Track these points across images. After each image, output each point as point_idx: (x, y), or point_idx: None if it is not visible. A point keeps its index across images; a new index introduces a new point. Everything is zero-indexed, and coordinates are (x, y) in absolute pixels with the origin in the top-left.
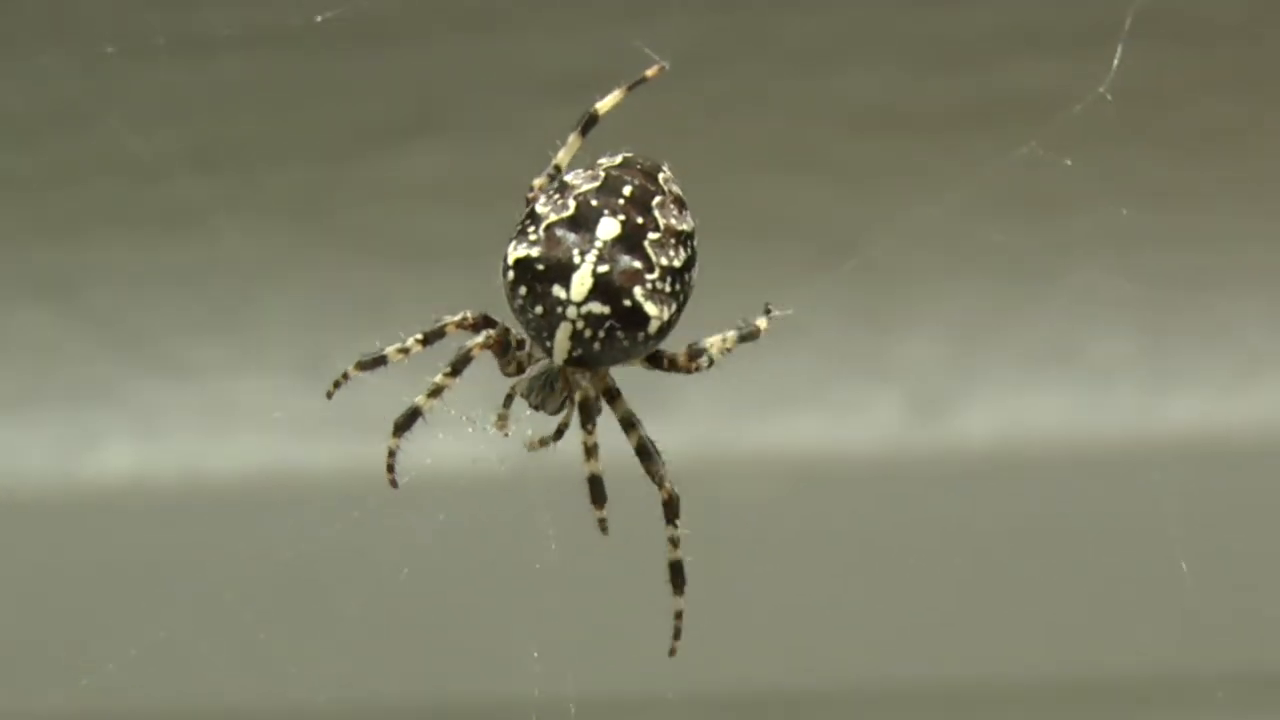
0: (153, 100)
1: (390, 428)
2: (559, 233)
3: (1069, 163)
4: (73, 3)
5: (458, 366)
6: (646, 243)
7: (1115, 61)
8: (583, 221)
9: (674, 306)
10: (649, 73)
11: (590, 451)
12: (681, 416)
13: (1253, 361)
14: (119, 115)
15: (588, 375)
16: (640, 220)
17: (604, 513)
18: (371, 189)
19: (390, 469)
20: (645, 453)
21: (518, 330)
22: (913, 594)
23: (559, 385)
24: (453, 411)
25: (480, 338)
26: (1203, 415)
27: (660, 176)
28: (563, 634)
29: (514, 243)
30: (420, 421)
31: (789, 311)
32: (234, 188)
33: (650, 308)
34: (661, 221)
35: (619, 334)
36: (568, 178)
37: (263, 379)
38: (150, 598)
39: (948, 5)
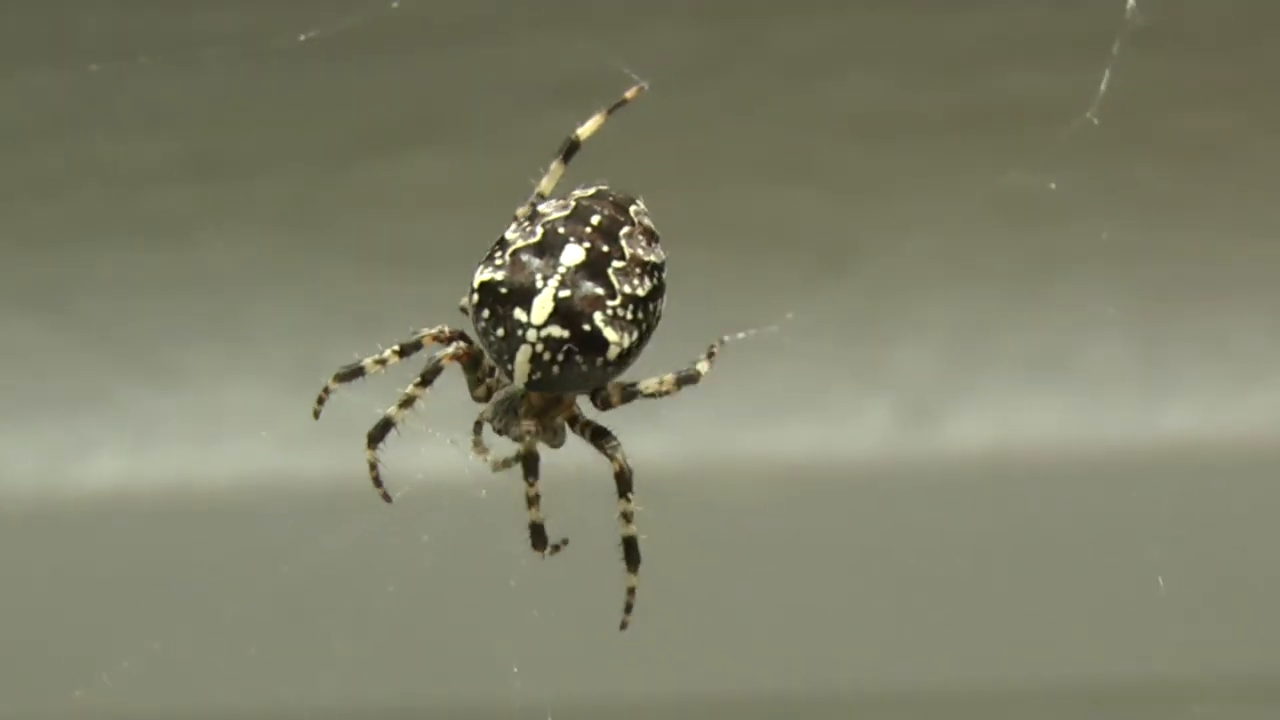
0: (141, 110)
1: (365, 441)
2: (524, 258)
3: (1053, 186)
4: (60, 14)
5: (428, 377)
6: (610, 270)
7: (1103, 86)
8: (548, 247)
9: (635, 334)
10: (628, 94)
11: (532, 501)
12: (674, 425)
13: (1246, 371)
14: (108, 124)
15: (550, 404)
16: (605, 248)
17: (546, 553)
18: (363, 197)
19: (378, 483)
20: (599, 433)
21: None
22: (904, 601)
23: (522, 411)
24: (436, 434)
25: (450, 349)
26: (1196, 424)
27: (632, 209)
28: (543, 643)
29: (481, 267)
30: (394, 433)
31: (736, 336)
32: (224, 196)
33: (610, 333)
34: (628, 251)
35: (577, 358)
36: (541, 207)
37: (252, 388)
38: (140, 606)
39: (941, 14)
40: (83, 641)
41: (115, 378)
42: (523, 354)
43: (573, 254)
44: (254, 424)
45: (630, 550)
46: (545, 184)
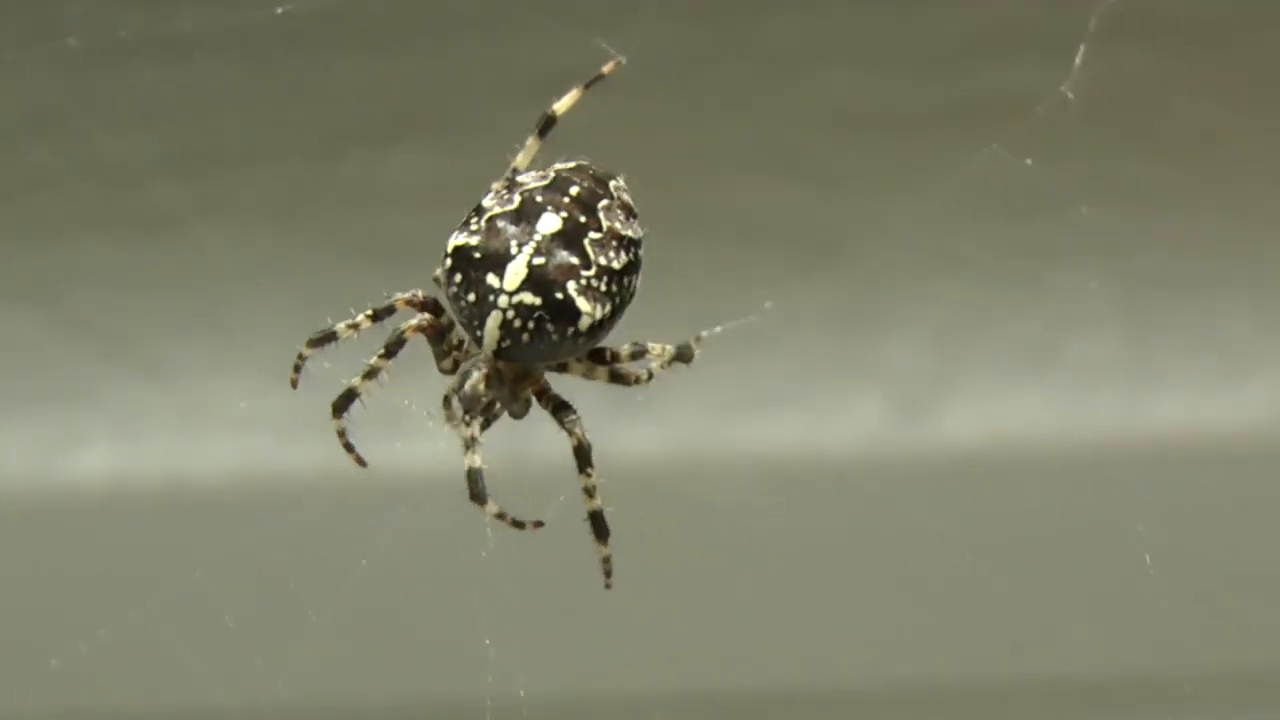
0: (130, 103)
1: (329, 411)
2: (500, 224)
3: (1029, 162)
4: (49, 6)
5: (391, 348)
6: (586, 241)
7: (1078, 61)
8: (525, 215)
9: (608, 307)
10: (605, 69)
11: (469, 445)
12: (662, 418)
13: (1235, 363)
14: (96, 118)
15: (519, 377)
16: (583, 219)
17: (494, 509)
18: (352, 191)
19: (349, 449)
20: (560, 406)
21: (458, 326)
22: (894, 595)
23: (489, 380)
24: (430, 426)
25: (414, 320)
26: (1185, 417)
27: (612, 183)
28: (529, 638)
29: (456, 232)
30: (360, 410)
31: (714, 330)
32: (213, 190)
33: (583, 303)
34: (605, 223)
35: (548, 326)
36: (519, 177)
37: (242, 381)
38: (130, 600)
39: (927, 8)
40: (71, 634)
41: (105, 371)
42: (493, 320)
43: (549, 222)
44: (244, 417)
45: (597, 524)
46: (521, 159)
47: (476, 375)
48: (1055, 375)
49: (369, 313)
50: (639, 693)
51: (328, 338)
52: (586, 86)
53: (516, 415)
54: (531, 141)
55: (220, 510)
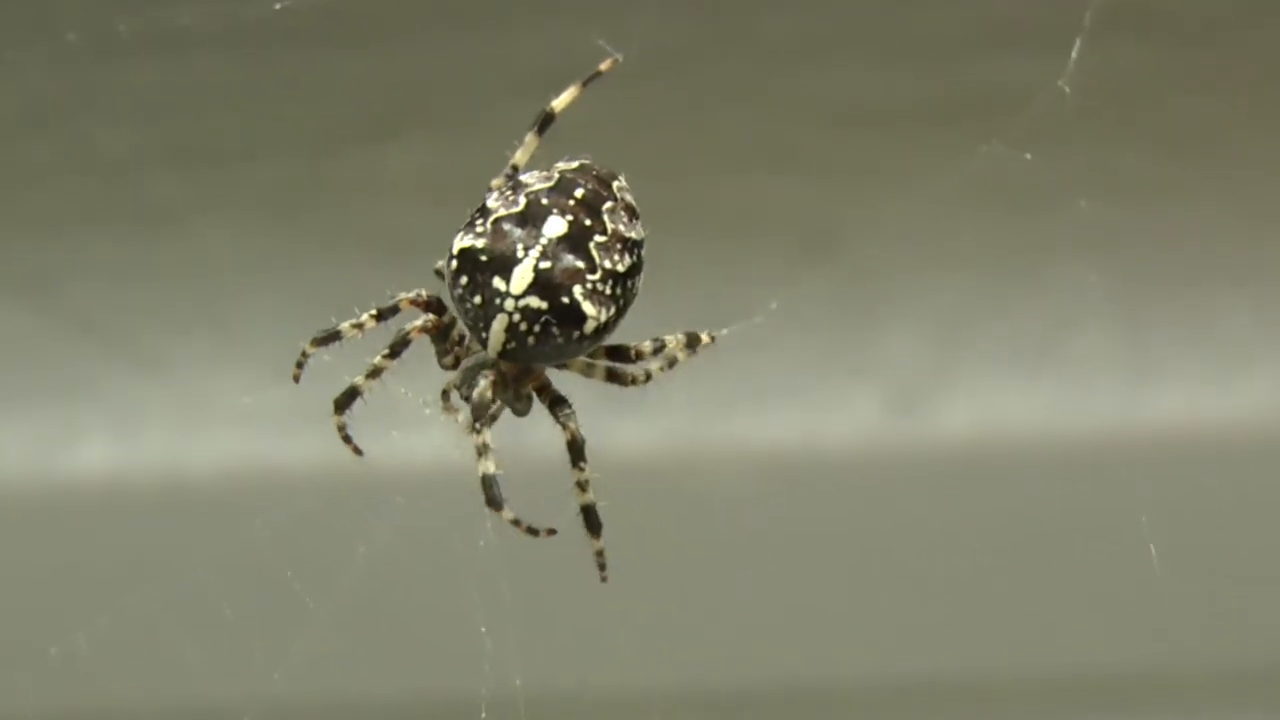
0: (128, 97)
1: (331, 407)
2: (505, 227)
3: (1028, 156)
4: (47, 2)
5: (396, 348)
6: (592, 244)
7: (1074, 54)
8: (530, 218)
9: (613, 309)
10: (603, 66)
11: (482, 451)
12: (659, 413)
13: (1233, 357)
14: (94, 112)
15: (521, 375)
16: (588, 222)
17: (510, 515)
18: (350, 185)
19: (347, 440)
20: (556, 401)
21: (460, 323)
22: (891, 590)
23: (492, 379)
24: (429, 422)
25: (419, 320)
26: (1183, 411)
27: (615, 184)
28: (525, 633)
29: (461, 234)
30: (361, 405)
31: (721, 333)
32: (211, 185)
33: (589, 307)
34: (609, 226)
35: (554, 330)
36: (523, 177)
37: (241, 375)
38: (130, 595)
39: (923, 3)
40: (69, 629)
41: (103, 366)
42: (499, 323)
43: (555, 226)
44: (243, 412)
45: (589, 518)
46: (520, 156)
47: (484, 383)
48: (1053, 370)
49: (373, 312)
50: (636, 687)
51: (332, 337)
52: (585, 84)
53: (520, 413)
54: (530, 139)
55: (219, 505)
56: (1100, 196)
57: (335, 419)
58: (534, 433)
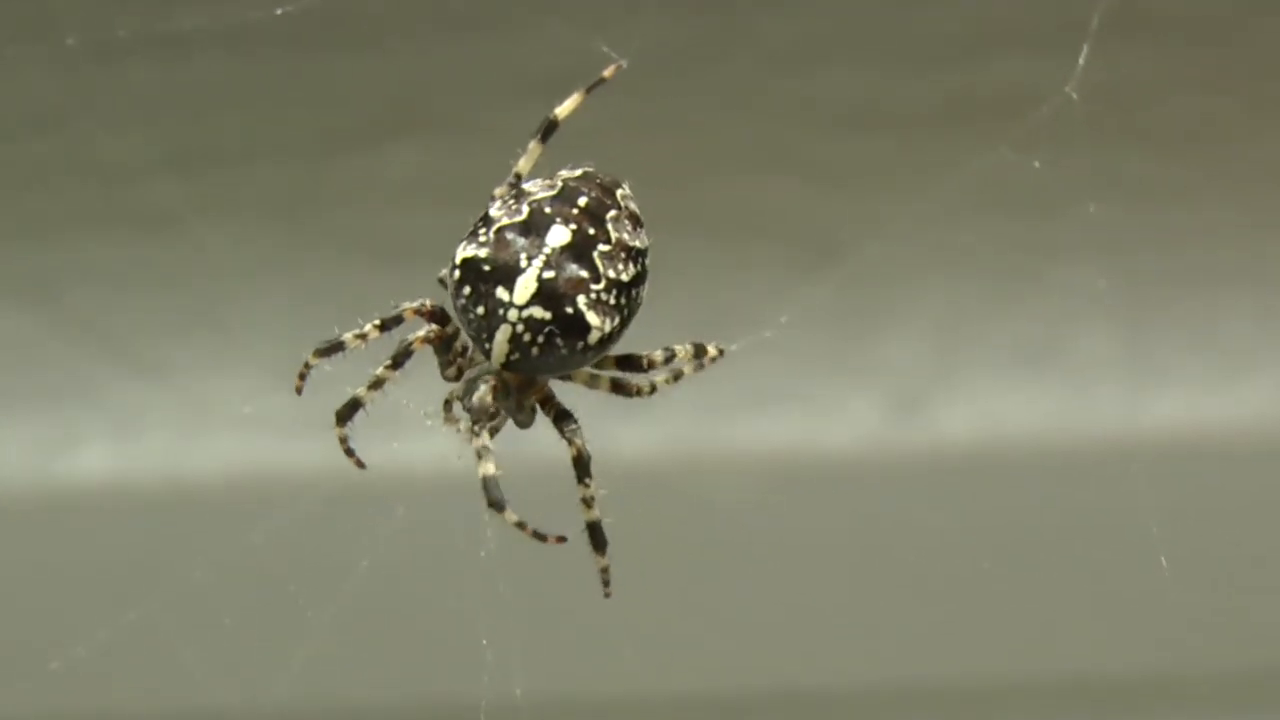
0: (128, 101)
1: (333, 419)
2: (509, 236)
3: (1037, 165)
4: (47, 5)
5: (398, 359)
6: (595, 254)
7: (1081, 61)
8: (534, 227)
9: (617, 319)
10: (606, 73)
11: (481, 454)
12: (660, 417)
13: (1235, 359)
14: (94, 116)
15: (524, 387)
16: (592, 231)
17: (514, 518)
18: (350, 189)
19: (349, 454)
20: (561, 415)
21: (464, 334)
22: (893, 594)
23: (494, 390)
24: (426, 426)
25: (422, 331)
26: (1185, 413)
27: (618, 192)
28: (528, 639)
29: (464, 243)
30: (363, 413)
31: (731, 348)
32: (211, 188)
33: (592, 317)
34: (613, 235)
35: (558, 341)
36: (526, 185)
37: (241, 379)
38: (130, 599)
39: (925, 3)
40: (70, 632)
41: (102, 370)
42: (502, 333)
43: (558, 235)
44: (242, 416)
45: (595, 535)
46: (523, 164)
47: (484, 388)
48: (1056, 372)
49: (376, 322)
50: (637, 693)
51: (335, 347)
52: (588, 90)
53: (522, 425)
54: (533, 146)
55: (219, 509)
56: (1103, 199)
57: (337, 431)
58: (536, 438)
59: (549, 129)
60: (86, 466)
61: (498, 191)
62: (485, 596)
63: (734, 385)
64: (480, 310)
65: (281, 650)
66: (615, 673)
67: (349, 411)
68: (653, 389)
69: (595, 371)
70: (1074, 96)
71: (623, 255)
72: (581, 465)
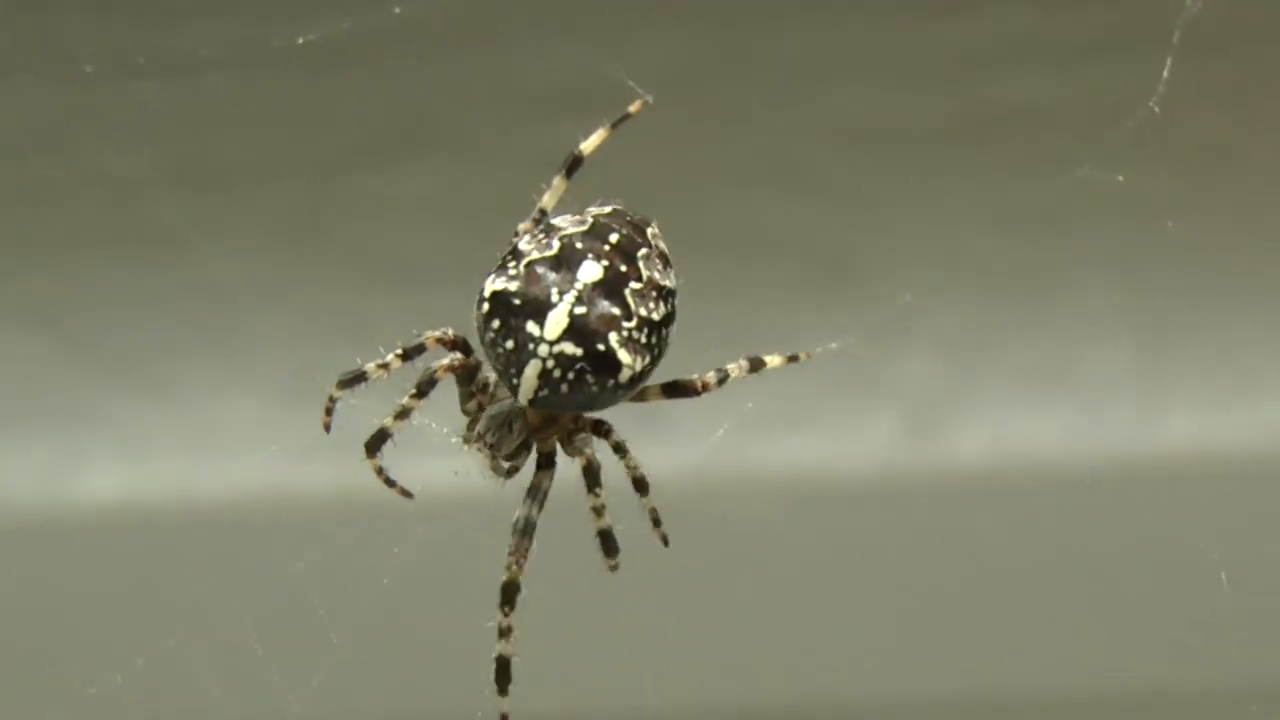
0: (135, 120)
1: (362, 452)
2: (540, 270)
3: (1120, 179)
4: (53, 23)
5: (423, 388)
6: (627, 291)
7: (1165, 73)
8: (565, 262)
9: (648, 358)
10: (632, 108)
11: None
12: (677, 438)
13: (1249, 379)
14: (102, 136)
15: (546, 421)
16: (624, 268)
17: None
18: (357, 207)
19: (390, 484)
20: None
21: (488, 366)
22: (909, 613)
23: (517, 427)
24: (436, 443)
25: (446, 360)
26: (1199, 433)
27: (649, 231)
28: (543, 654)
29: (493, 276)
30: (391, 443)
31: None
32: (219, 207)
33: (624, 355)
34: (645, 273)
35: (588, 378)
36: (555, 220)
37: (249, 400)
38: (137, 621)
39: (939, 21)
40: (78, 655)
41: (110, 391)
42: (532, 369)
43: (590, 270)
44: (250, 436)
45: (606, 542)
46: (548, 199)
47: (505, 420)
48: (1070, 391)
49: (399, 352)
50: (656, 710)
51: (357, 378)
52: (614, 126)
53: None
54: (558, 181)
55: (226, 529)
56: (1116, 219)
57: (370, 463)
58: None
59: (574, 164)
60: (95, 488)
61: (522, 227)
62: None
63: (749, 406)
64: (510, 344)
65: (288, 674)
66: (636, 689)
67: (377, 443)
68: (721, 381)
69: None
70: (1155, 110)
71: (654, 294)
72: (591, 475)
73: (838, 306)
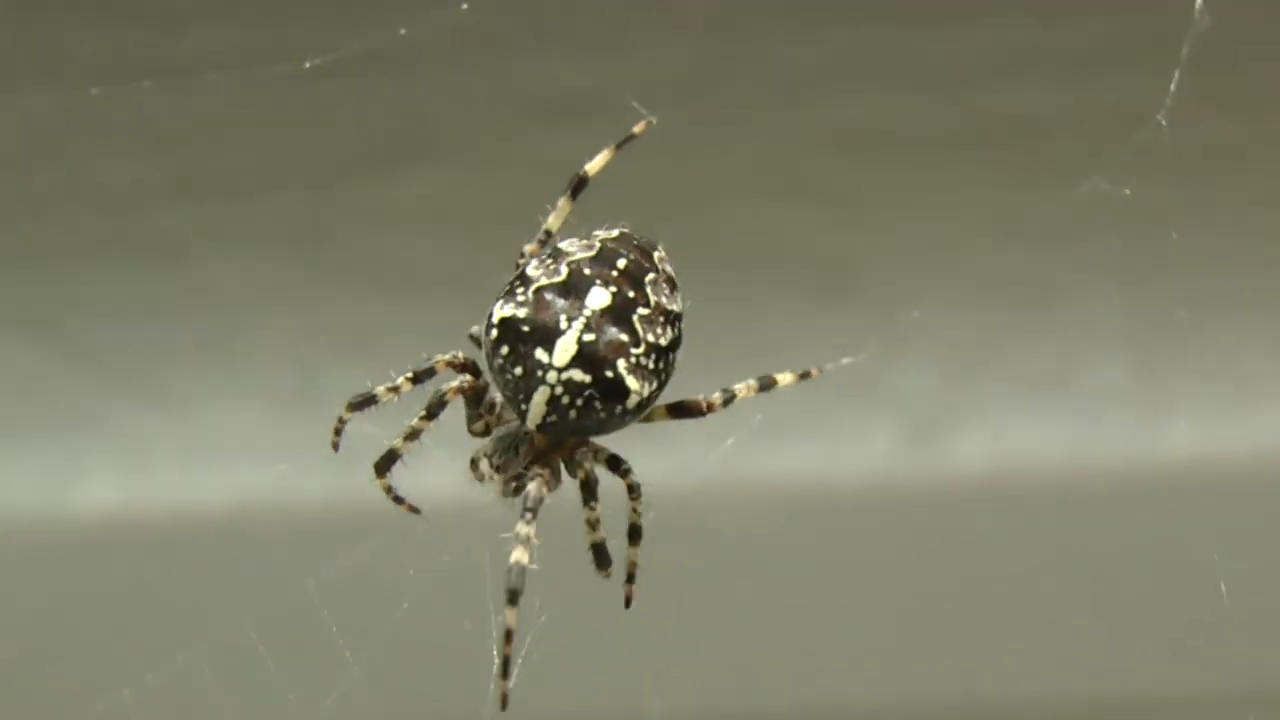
0: (136, 130)
1: (372, 472)
2: (548, 296)
3: (1128, 192)
4: (55, 33)
5: (433, 410)
6: (635, 317)
7: (1172, 87)
8: (573, 288)
9: (654, 384)
10: (637, 129)
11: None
12: (675, 447)
13: (1250, 387)
14: (102, 145)
15: (553, 446)
16: (632, 294)
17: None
18: (358, 216)
19: (399, 501)
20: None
21: (495, 390)
22: (908, 621)
23: (524, 450)
24: (437, 458)
25: (455, 382)
26: (1200, 441)
27: (655, 255)
28: (543, 665)
29: (501, 302)
30: (400, 464)
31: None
32: (219, 216)
33: (632, 382)
34: (653, 299)
35: (596, 404)
36: (562, 245)
37: (249, 409)
38: (137, 631)
39: (939, 29)
40: (79, 666)
41: (111, 400)
42: (540, 395)
43: (599, 297)
44: (251, 446)
45: (599, 555)
46: (553, 221)
47: (512, 444)
48: (1069, 401)
49: (409, 375)
50: (659, 714)
51: (367, 401)
52: (618, 147)
53: (551, 489)
54: (563, 203)
55: (227, 539)
56: (1116, 228)
57: (379, 483)
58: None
59: (579, 185)
60: (95, 497)
61: (529, 249)
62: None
63: (749, 416)
64: (518, 371)
65: (289, 684)
66: (636, 692)
67: (386, 464)
68: (727, 402)
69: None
70: (1162, 123)
71: (661, 319)
72: (588, 489)
73: (839, 314)
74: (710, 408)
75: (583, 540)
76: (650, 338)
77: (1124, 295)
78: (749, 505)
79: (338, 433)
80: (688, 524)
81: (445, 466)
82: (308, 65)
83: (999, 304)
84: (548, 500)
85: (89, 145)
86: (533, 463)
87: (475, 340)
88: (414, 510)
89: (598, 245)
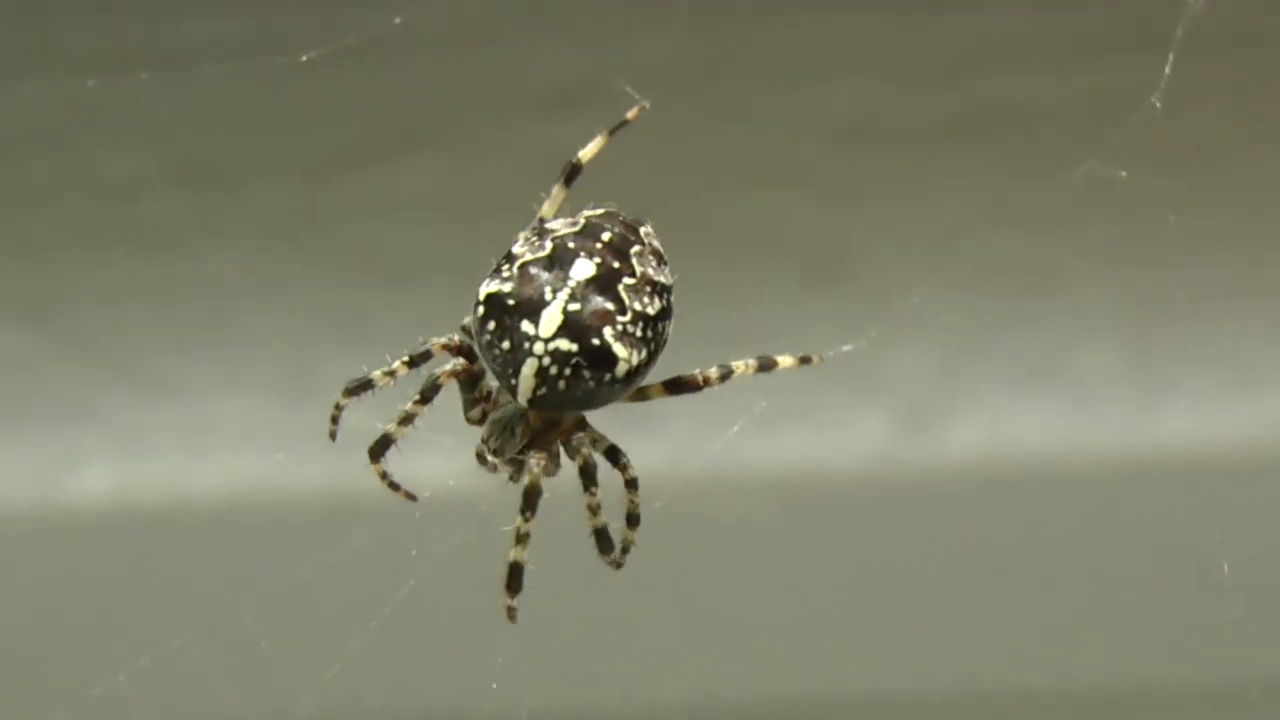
0: (131, 120)
1: (366, 457)
2: (533, 271)
3: (1124, 174)
4: (52, 25)
5: (427, 394)
6: (621, 286)
7: (1167, 70)
8: (558, 261)
9: (644, 353)
10: (630, 115)
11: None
12: (667, 434)
13: (1247, 374)
14: (97, 135)
15: (549, 425)
16: (616, 265)
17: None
18: (354, 206)
19: (395, 488)
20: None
21: (488, 374)
22: (902, 609)
23: (520, 430)
24: (436, 445)
25: (449, 365)
26: (1193, 429)
27: (642, 230)
28: (536, 653)
29: (487, 280)
30: (395, 449)
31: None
32: (215, 206)
33: (620, 349)
34: (638, 269)
35: (585, 374)
36: (549, 224)
37: (245, 398)
38: (133, 620)
39: (931, 18)
40: (74, 655)
41: (106, 389)
42: (529, 367)
43: (583, 268)
44: (246, 435)
45: (601, 540)
46: (547, 208)
47: (508, 425)
48: (1063, 388)
49: (405, 359)
50: (655, 704)
51: (363, 386)
52: (611, 133)
53: (550, 474)
54: (557, 190)
55: (222, 528)
56: (1110, 216)
57: (374, 468)
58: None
59: (573, 172)
60: (90, 487)
61: (523, 234)
62: (496, 616)
63: (741, 402)
64: (505, 345)
65: (284, 672)
66: (627, 687)
67: (380, 449)
68: (724, 377)
69: (645, 397)
70: (1156, 105)
71: (648, 289)
72: (587, 474)
73: (835, 301)
74: (707, 381)
75: (585, 526)
76: (637, 306)
77: (1121, 281)
78: (746, 492)
79: (335, 420)
80: (684, 511)
81: (443, 453)
82: (304, 59)
83: (996, 290)
84: (545, 495)
85: (86, 136)
86: (530, 445)
87: (467, 331)
88: (410, 497)
89: (583, 221)
